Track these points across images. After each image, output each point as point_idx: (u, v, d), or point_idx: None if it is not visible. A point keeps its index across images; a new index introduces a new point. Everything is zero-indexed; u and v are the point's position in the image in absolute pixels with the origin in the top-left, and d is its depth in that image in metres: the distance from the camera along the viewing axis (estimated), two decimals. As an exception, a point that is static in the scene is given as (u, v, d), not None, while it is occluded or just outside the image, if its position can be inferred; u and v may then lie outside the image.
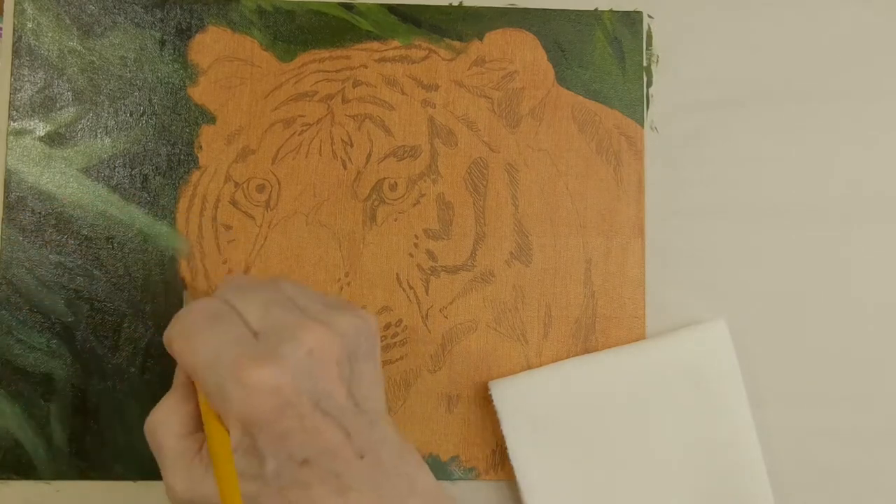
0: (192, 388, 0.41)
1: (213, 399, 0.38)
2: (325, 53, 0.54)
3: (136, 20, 0.54)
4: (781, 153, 0.55)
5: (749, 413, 0.52)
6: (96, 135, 0.53)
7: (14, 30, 0.54)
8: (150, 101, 0.54)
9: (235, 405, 0.37)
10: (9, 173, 0.53)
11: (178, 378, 0.42)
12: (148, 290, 0.52)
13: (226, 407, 0.37)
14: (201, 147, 0.53)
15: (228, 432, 0.38)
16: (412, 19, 0.55)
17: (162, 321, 0.52)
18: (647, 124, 0.55)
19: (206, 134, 0.54)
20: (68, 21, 0.54)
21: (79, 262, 0.52)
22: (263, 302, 0.41)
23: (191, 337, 0.39)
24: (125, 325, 0.52)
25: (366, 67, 0.54)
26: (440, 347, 0.53)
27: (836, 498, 0.53)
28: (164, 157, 0.53)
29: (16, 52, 0.53)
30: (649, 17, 0.56)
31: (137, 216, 0.53)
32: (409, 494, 0.40)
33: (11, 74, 0.53)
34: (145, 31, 0.54)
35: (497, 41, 0.55)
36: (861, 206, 0.55)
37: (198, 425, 0.41)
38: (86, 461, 0.51)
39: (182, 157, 0.53)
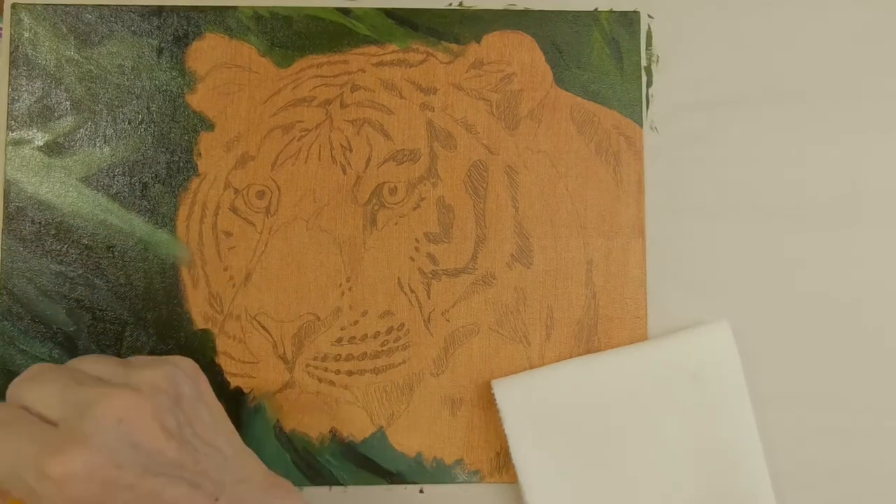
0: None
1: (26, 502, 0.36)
2: (322, 58, 0.54)
3: (132, 28, 0.54)
4: (782, 153, 0.55)
5: (751, 414, 0.51)
6: (95, 144, 0.53)
7: (11, 39, 0.53)
8: (148, 109, 0.54)
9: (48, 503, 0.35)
10: (8, 183, 0.53)
11: None
12: (149, 299, 0.52)
13: None
14: (200, 154, 0.53)
15: None
16: (409, 23, 0.55)
17: (164, 329, 0.52)
18: (646, 124, 0.55)
19: (205, 141, 0.53)
20: (65, 30, 0.54)
21: (79, 272, 0.52)
22: (59, 388, 0.38)
23: None
24: (127, 333, 0.52)
25: (364, 72, 0.54)
26: (442, 351, 0.53)
27: (836, 498, 0.53)
28: (164, 165, 0.53)
29: (13, 62, 0.53)
30: (649, 17, 0.56)
31: (138, 224, 0.53)
32: None
33: (9, 84, 0.53)
34: (142, 39, 0.54)
35: (495, 43, 0.55)
36: (861, 207, 0.55)
37: None
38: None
39: (181, 164, 0.53)
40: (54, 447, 0.35)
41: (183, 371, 0.41)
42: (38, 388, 0.38)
